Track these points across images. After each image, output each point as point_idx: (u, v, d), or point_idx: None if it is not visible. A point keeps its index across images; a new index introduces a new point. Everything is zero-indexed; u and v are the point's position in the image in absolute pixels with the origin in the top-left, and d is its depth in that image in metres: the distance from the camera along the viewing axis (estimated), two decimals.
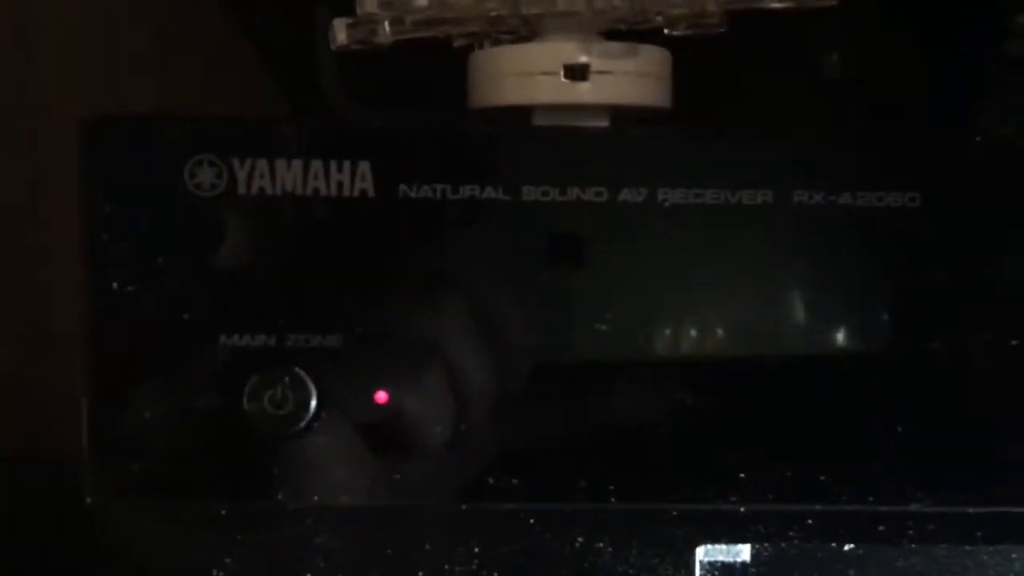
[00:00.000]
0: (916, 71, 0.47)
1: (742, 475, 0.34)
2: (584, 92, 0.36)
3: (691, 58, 0.38)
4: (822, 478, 0.34)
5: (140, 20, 0.54)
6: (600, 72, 0.36)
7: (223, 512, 0.34)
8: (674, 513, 0.35)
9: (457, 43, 0.39)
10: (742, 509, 0.34)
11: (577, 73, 0.36)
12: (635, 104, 0.37)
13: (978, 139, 0.33)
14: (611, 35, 0.38)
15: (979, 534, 0.35)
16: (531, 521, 0.35)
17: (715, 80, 0.45)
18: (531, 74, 0.36)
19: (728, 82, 0.46)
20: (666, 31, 0.39)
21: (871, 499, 0.35)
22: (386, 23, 0.39)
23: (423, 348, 0.33)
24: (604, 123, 0.37)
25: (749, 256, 0.34)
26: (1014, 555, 0.36)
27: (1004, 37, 0.47)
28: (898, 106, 0.47)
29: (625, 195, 0.33)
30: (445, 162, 0.33)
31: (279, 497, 0.33)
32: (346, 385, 0.33)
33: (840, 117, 0.47)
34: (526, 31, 0.39)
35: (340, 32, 0.39)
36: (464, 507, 0.34)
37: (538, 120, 0.37)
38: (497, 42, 0.38)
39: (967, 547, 0.35)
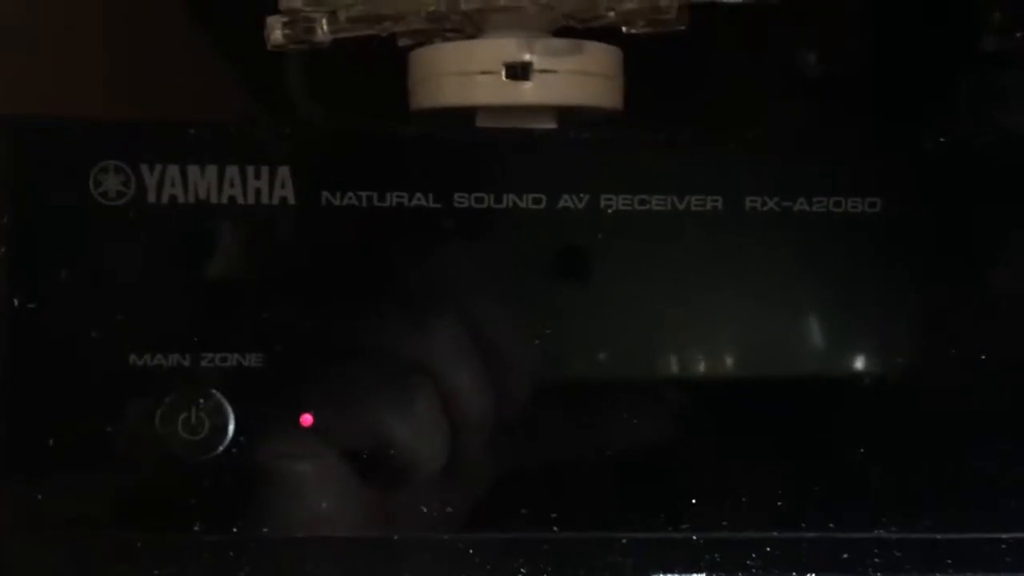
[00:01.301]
0: (892, 69, 0.46)
1: (694, 501, 0.32)
2: (526, 92, 0.34)
3: (657, 59, 0.36)
4: (779, 504, 0.32)
5: (90, 17, 0.52)
6: (543, 71, 0.34)
7: (138, 545, 0.32)
8: (623, 541, 0.32)
9: (402, 43, 0.37)
10: (694, 537, 0.32)
11: (518, 72, 0.34)
12: (583, 105, 0.35)
13: (941, 140, 0.31)
14: (566, 34, 0.36)
15: (949, 562, 0.33)
16: (469, 551, 0.32)
17: (683, 82, 0.43)
18: (470, 74, 0.34)
19: (697, 84, 0.45)
20: (624, 29, 0.37)
21: (832, 525, 0.32)
22: (323, 20, 0.37)
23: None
24: (551, 125, 0.35)
25: (698, 266, 0.32)
26: None
27: (981, 33, 0.46)
28: (874, 105, 0.45)
29: (565, 202, 0.31)
30: (371, 168, 0.31)
31: (196, 529, 0.31)
32: (267, 408, 0.31)
33: (816, 117, 0.45)
34: (472, 29, 0.36)
35: (275, 30, 0.37)
36: (395, 537, 0.32)
37: (481, 122, 0.35)
38: (444, 41, 0.36)
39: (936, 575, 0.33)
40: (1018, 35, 0.43)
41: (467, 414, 0.32)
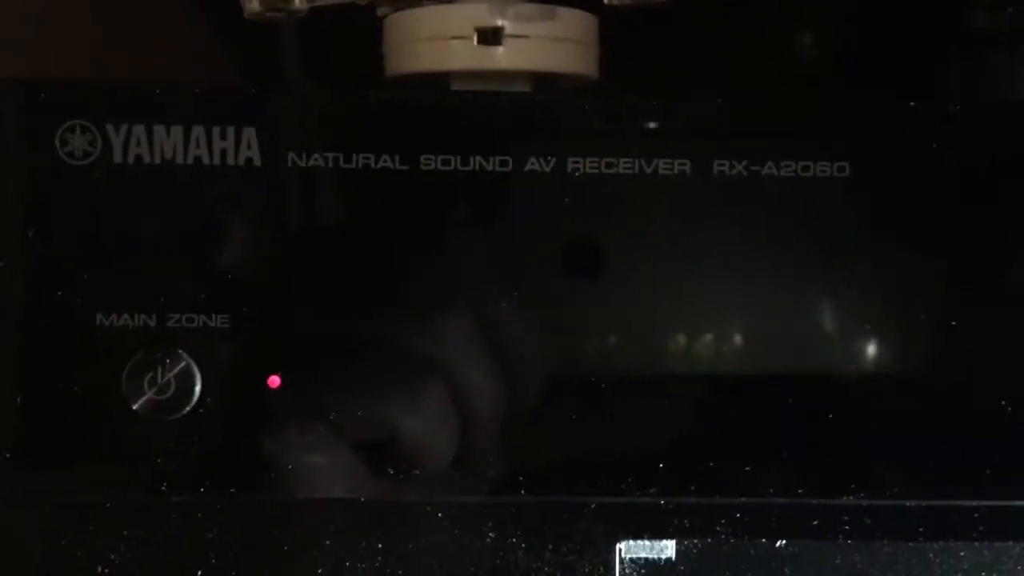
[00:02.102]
0: (880, 45, 0.45)
1: (661, 465, 0.32)
2: (499, 58, 0.34)
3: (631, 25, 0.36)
4: (747, 468, 0.32)
5: None
6: (515, 36, 0.34)
7: (107, 505, 0.32)
8: (592, 506, 0.32)
9: (381, 11, 0.37)
10: (662, 502, 0.32)
11: (490, 37, 0.34)
12: (555, 71, 0.35)
13: (911, 105, 0.31)
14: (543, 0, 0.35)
15: (921, 530, 0.33)
16: (438, 515, 0.32)
17: (672, 57, 0.43)
18: (443, 39, 0.34)
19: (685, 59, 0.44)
20: (606, 1, 0.36)
21: (801, 491, 0.32)
22: None
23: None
24: (525, 89, 0.35)
25: (665, 229, 0.31)
26: (962, 552, 0.33)
27: (970, 9, 0.45)
28: (862, 82, 0.45)
29: (532, 164, 0.31)
30: (337, 129, 0.31)
31: (164, 489, 0.31)
32: (234, 369, 0.31)
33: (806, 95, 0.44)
34: None
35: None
36: (362, 499, 0.32)
37: (456, 87, 0.35)
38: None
39: (910, 543, 0.33)
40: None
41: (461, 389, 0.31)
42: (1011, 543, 0.33)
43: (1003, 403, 0.32)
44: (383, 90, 0.32)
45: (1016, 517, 0.33)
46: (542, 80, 0.35)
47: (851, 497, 0.32)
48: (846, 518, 0.33)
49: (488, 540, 0.32)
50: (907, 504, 0.32)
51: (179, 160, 0.31)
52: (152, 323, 0.31)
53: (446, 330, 0.31)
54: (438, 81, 0.35)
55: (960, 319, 0.32)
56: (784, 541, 0.33)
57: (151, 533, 0.32)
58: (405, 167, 0.31)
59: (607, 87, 0.36)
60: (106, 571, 0.32)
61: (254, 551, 0.32)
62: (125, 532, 0.32)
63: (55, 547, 0.32)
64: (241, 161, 0.31)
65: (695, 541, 0.33)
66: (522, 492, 0.32)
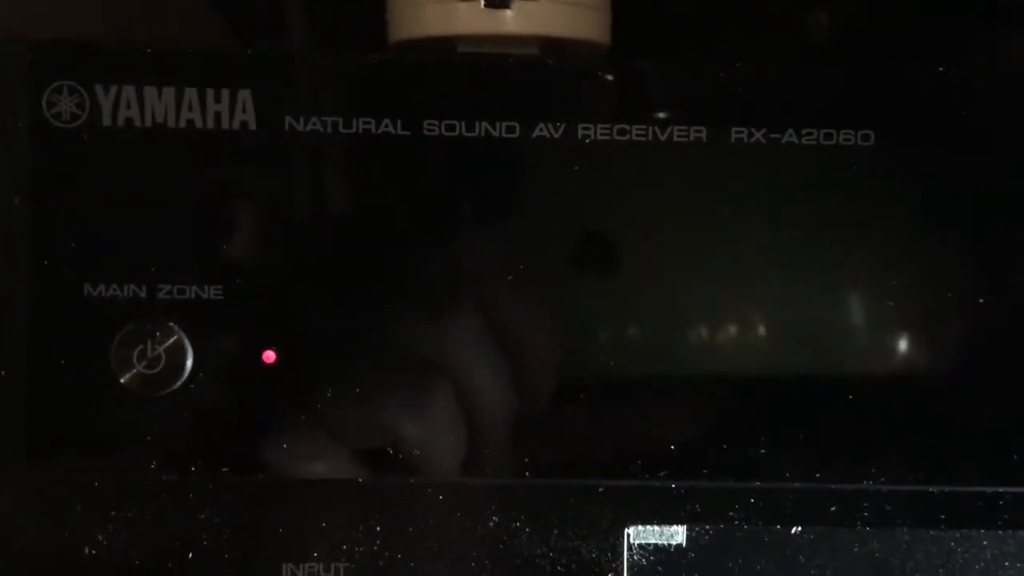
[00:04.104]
0: (904, 23, 0.44)
1: (672, 448, 0.31)
2: (507, 21, 0.33)
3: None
4: (762, 452, 0.31)
5: None
6: None
7: (94, 483, 0.30)
8: (600, 490, 0.31)
9: None
10: (673, 486, 0.31)
11: (498, 0, 0.33)
12: (565, 36, 0.34)
13: (940, 71, 0.30)
14: None
15: (943, 516, 0.31)
16: (440, 497, 0.31)
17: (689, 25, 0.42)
18: (450, 1, 0.33)
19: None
20: None
21: (818, 476, 0.31)
22: None
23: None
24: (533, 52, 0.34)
25: (681, 199, 0.30)
26: (985, 542, 0.32)
27: None
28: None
29: (540, 131, 0.30)
30: (336, 92, 0.29)
31: (153, 466, 0.30)
32: (227, 343, 0.30)
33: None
34: None
35: None
36: (360, 480, 0.31)
37: (462, 50, 0.34)
38: None
39: (931, 532, 0.32)
40: None
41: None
42: None
43: None
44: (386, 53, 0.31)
45: None
46: (552, 46, 0.34)
47: (870, 482, 0.31)
48: (865, 504, 0.31)
49: (491, 524, 0.31)
50: (929, 490, 0.31)
51: (171, 123, 0.29)
52: (142, 294, 0.29)
53: (451, 318, 0.29)
54: (444, 47, 0.34)
55: (988, 298, 0.30)
56: (799, 528, 0.31)
57: (140, 514, 0.30)
58: (407, 133, 0.29)
59: (620, 55, 0.34)
60: (93, 552, 0.31)
61: (247, 533, 0.31)
62: (113, 512, 0.31)
63: (39, 526, 0.30)
64: (236, 125, 0.29)
65: (706, 527, 0.32)
66: (527, 475, 0.31)
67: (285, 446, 0.30)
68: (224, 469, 0.30)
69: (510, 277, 0.30)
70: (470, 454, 0.30)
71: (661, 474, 0.31)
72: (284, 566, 0.31)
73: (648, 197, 0.30)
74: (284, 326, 0.30)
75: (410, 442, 0.30)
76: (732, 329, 0.30)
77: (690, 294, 0.31)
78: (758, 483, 0.31)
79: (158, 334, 0.29)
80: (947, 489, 0.31)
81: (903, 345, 0.31)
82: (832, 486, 0.31)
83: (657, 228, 0.30)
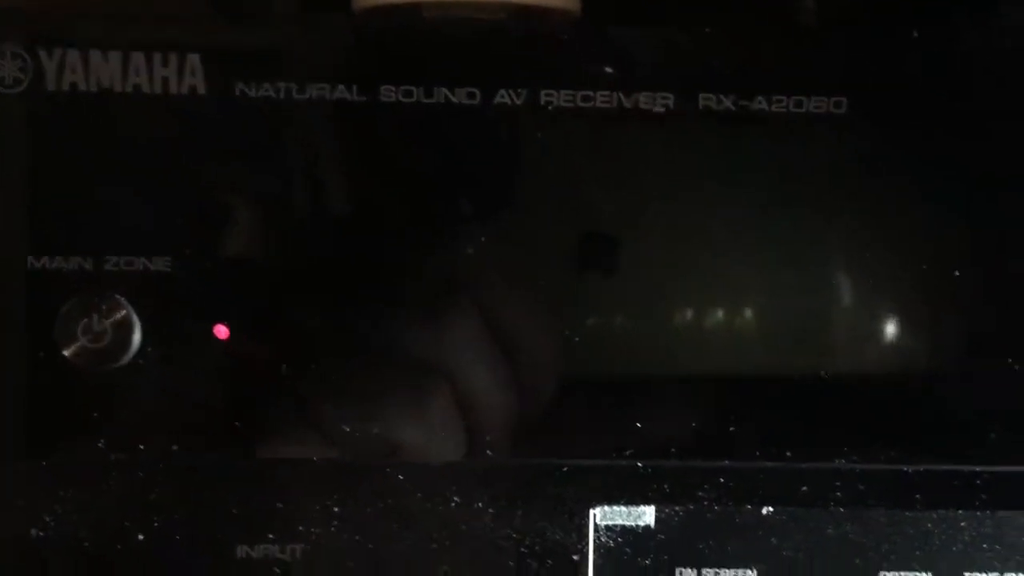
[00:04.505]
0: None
1: (639, 426, 0.30)
2: None
3: None
4: (731, 430, 0.30)
5: None
6: None
7: (42, 464, 0.29)
8: (564, 470, 0.30)
9: None
10: (639, 464, 0.30)
11: None
12: (533, 4, 0.32)
13: (915, 35, 0.29)
14: None
15: (918, 497, 0.30)
16: (400, 477, 0.30)
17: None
18: None
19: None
20: None
21: (789, 455, 0.30)
22: None
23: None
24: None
25: (646, 167, 0.29)
26: (963, 523, 0.31)
27: None
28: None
29: (501, 97, 0.29)
30: (289, 57, 0.28)
31: (100, 446, 0.29)
32: (177, 316, 0.29)
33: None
34: None
35: None
36: (315, 459, 0.30)
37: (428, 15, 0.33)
38: None
39: (907, 512, 0.31)
40: None
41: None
42: (1016, 513, 0.31)
43: (1009, 360, 0.29)
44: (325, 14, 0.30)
45: (1022, 484, 0.30)
46: (519, 13, 0.33)
47: (843, 461, 0.30)
48: (838, 484, 0.30)
49: (453, 504, 0.30)
50: (904, 469, 0.30)
51: (117, 88, 0.28)
52: (88, 266, 0.28)
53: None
54: (410, 13, 0.33)
55: (963, 271, 0.29)
56: (771, 508, 0.30)
57: (88, 493, 0.29)
58: (363, 98, 0.28)
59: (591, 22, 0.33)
60: (40, 534, 0.30)
61: (200, 514, 0.30)
62: (60, 492, 0.29)
63: None
64: (184, 90, 0.28)
65: (676, 508, 0.31)
66: (489, 453, 0.30)
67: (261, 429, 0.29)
68: (174, 447, 0.29)
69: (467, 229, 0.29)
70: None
71: (627, 453, 0.30)
72: (239, 547, 0.30)
73: (613, 163, 0.29)
74: (236, 300, 0.29)
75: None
76: (700, 306, 0.29)
77: (658, 268, 0.30)
78: (728, 462, 0.30)
79: (104, 307, 0.28)
80: (923, 468, 0.30)
81: (877, 319, 0.30)
82: (804, 465, 0.30)
83: (622, 201, 0.29)
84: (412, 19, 0.32)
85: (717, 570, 0.31)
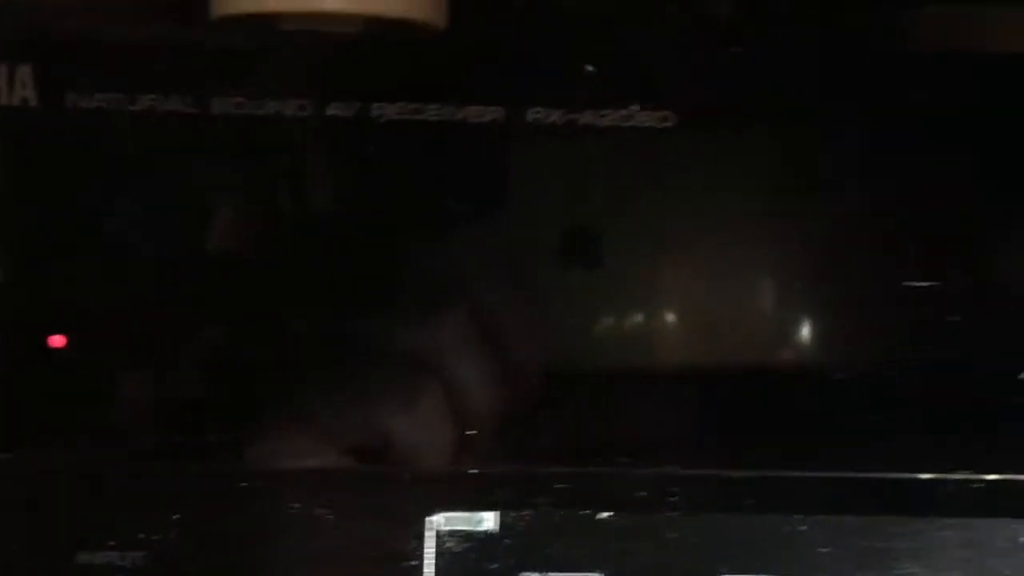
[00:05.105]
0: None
1: (476, 433, 0.30)
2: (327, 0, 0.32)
3: None
4: (566, 436, 0.30)
5: None
6: None
7: None
8: (406, 476, 0.30)
9: None
10: (476, 471, 0.30)
11: None
12: (392, 17, 0.33)
13: (737, 49, 0.29)
14: None
15: (752, 501, 0.31)
16: (241, 484, 0.30)
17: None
18: None
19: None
20: None
21: (625, 461, 0.30)
22: None
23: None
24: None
25: (476, 183, 0.29)
26: (801, 527, 0.31)
27: None
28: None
29: (334, 109, 0.29)
30: (121, 69, 0.29)
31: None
32: (9, 326, 0.29)
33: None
34: None
35: None
36: (154, 467, 0.30)
37: (285, 27, 0.33)
38: None
39: (743, 516, 0.31)
40: None
41: None
42: (854, 517, 0.31)
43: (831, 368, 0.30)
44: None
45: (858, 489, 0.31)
46: (378, 26, 0.33)
47: (676, 467, 0.30)
48: (675, 489, 0.31)
49: (292, 510, 0.30)
50: (732, 475, 0.31)
51: None
52: None
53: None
54: (267, 25, 0.33)
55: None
56: (611, 513, 0.31)
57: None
58: (195, 111, 0.29)
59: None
60: None
61: (39, 522, 0.30)
62: None
63: None
64: (15, 101, 0.28)
65: (524, 512, 0.31)
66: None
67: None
68: (6, 455, 0.29)
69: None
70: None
71: (466, 460, 0.30)
72: (79, 555, 0.30)
73: (444, 177, 0.30)
74: (71, 309, 0.29)
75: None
76: (528, 305, 0.30)
77: (490, 271, 0.30)
78: (563, 468, 0.30)
79: None
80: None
81: (705, 330, 0.30)
82: (638, 471, 0.31)
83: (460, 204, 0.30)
84: (268, 31, 0.32)
85: (562, 574, 0.31)
